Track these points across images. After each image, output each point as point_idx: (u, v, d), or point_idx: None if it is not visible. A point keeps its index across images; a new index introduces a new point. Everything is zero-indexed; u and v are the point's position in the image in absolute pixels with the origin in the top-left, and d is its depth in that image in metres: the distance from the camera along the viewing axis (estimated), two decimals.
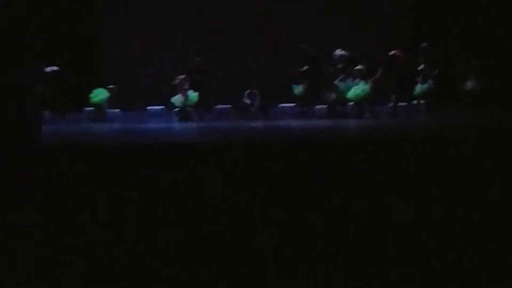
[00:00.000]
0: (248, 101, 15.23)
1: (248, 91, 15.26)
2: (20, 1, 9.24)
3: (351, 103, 15.00)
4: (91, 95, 15.24)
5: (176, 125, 14.52)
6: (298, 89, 15.37)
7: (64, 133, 12.48)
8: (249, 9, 17.18)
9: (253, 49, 16.78)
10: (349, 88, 14.82)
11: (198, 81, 15.14)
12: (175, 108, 15.05)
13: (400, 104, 14.72)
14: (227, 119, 15.14)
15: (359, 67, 14.68)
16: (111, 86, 15.38)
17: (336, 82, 14.97)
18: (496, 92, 14.97)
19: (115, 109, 15.51)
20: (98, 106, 15.23)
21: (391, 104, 14.68)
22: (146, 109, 15.86)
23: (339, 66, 15.12)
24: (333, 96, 14.94)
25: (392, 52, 14.55)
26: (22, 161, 8.01)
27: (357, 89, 14.67)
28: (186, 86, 14.98)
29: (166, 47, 17.03)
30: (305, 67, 15.18)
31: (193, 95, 15.05)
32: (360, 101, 14.66)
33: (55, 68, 14.72)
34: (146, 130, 13.65)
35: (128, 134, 12.96)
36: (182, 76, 14.97)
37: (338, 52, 15.28)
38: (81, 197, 7.89)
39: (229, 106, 15.75)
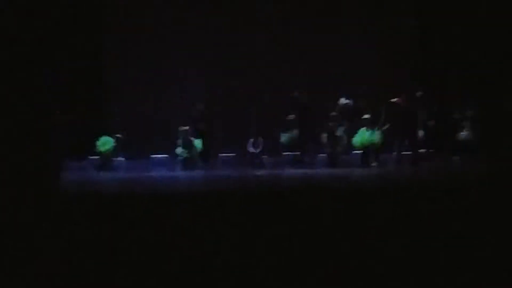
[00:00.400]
0: (252, 150, 15.32)
1: (252, 139, 15.36)
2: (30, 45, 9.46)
3: (356, 151, 15.12)
4: (98, 143, 15.36)
5: (180, 173, 14.60)
6: (285, 137, 15.46)
7: (72, 181, 12.56)
8: (253, 55, 17.49)
9: (258, 98, 16.99)
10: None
11: (202, 129, 15.27)
12: (179, 156, 15.16)
13: (405, 152, 14.76)
14: (231, 167, 15.23)
15: (366, 116, 14.85)
16: (118, 135, 15.49)
17: (338, 132, 15.09)
18: (490, 142, 15.11)
19: (119, 157, 15.60)
20: (104, 155, 15.34)
21: (395, 152, 14.76)
22: (150, 158, 15.95)
23: (333, 113, 15.26)
24: (339, 146, 15.06)
25: (394, 99, 14.68)
26: (40, 207, 8.13)
27: (364, 137, 14.79)
28: (190, 136, 15.11)
29: (171, 96, 17.29)
30: (292, 116, 15.29)
31: (197, 143, 15.17)
32: (368, 149, 14.77)
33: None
34: (151, 179, 13.73)
35: (133, 183, 13.05)
36: (186, 128, 15.12)
37: (343, 100, 15.47)
38: (86, 245, 7.99)
39: (234, 154, 15.84)
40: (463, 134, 15.29)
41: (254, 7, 17.56)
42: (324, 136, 15.33)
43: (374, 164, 14.63)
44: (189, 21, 17.46)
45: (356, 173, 13.71)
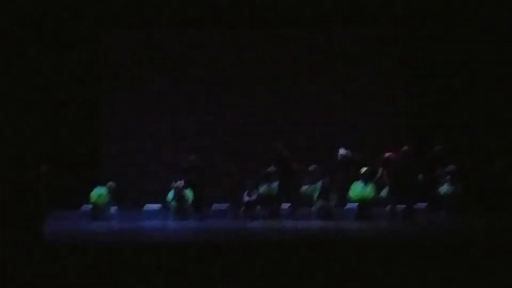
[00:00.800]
0: (247, 198, 15.35)
1: (247, 190, 15.41)
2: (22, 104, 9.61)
3: (351, 204, 15.19)
4: (92, 193, 15.42)
5: (173, 223, 14.62)
6: (263, 188, 15.49)
7: (64, 231, 12.59)
8: (248, 107, 17.79)
9: (252, 150, 17.16)
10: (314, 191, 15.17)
11: (193, 180, 15.34)
12: (172, 207, 15.23)
13: (399, 206, 14.75)
14: (225, 217, 15.25)
15: (364, 169, 14.95)
16: (110, 183, 15.57)
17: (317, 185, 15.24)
18: (472, 197, 15.37)
19: (112, 206, 15.63)
20: (98, 204, 15.39)
21: (389, 206, 14.79)
22: (143, 207, 15.99)
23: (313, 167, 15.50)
24: (331, 200, 15.14)
25: (387, 154, 14.76)
26: (25, 257, 8.16)
27: (360, 190, 14.85)
28: (184, 189, 15.20)
29: (163, 147, 17.48)
30: (272, 167, 15.41)
31: (189, 194, 15.24)
32: (364, 203, 14.83)
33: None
34: (144, 229, 13.76)
35: (127, 233, 13.08)
36: (179, 182, 15.20)
37: (342, 151, 15.59)
38: None
39: (228, 204, 15.90)
40: (444, 188, 15.39)
41: (244, 63, 17.85)
42: (305, 188, 15.40)
43: (367, 217, 14.66)
44: (182, 77, 17.74)
45: (349, 227, 13.74)
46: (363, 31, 17.90)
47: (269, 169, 15.34)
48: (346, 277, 8.69)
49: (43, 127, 16.49)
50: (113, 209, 15.55)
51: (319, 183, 15.23)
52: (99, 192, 15.49)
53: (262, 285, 8.64)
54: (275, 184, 15.26)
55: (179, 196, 15.18)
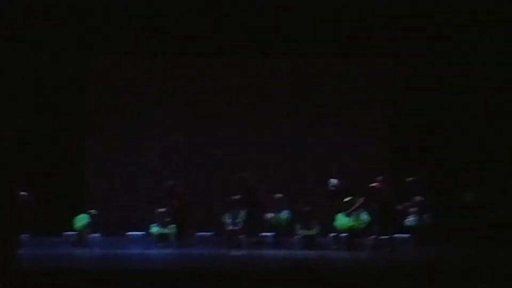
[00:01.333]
0: (230, 227, 15.43)
1: (228, 214, 15.49)
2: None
3: (334, 234, 15.28)
4: (75, 220, 15.48)
5: (156, 251, 14.66)
6: (227, 217, 15.61)
7: (43, 258, 12.58)
8: (233, 131, 18.05)
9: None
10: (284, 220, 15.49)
11: (175, 206, 15.43)
12: (155, 234, 15.29)
13: (383, 237, 14.83)
14: (209, 246, 15.30)
15: (348, 198, 15.08)
16: (92, 211, 15.65)
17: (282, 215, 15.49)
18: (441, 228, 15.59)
19: (95, 233, 15.65)
20: (80, 231, 15.44)
21: (373, 236, 14.87)
22: (126, 235, 16.01)
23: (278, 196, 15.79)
24: (315, 229, 15.28)
25: (374, 184, 14.88)
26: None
27: (344, 221, 14.93)
28: (167, 218, 15.30)
29: (146, 174, 17.57)
30: (238, 196, 15.57)
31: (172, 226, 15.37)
32: (353, 232, 14.91)
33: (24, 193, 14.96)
34: (126, 256, 13.78)
35: (109, 260, 13.10)
36: (163, 210, 15.31)
37: (333, 181, 15.72)
38: None
39: (211, 233, 15.94)
40: (410, 219, 15.54)
41: (224, 94, 18.11)
42: (271, 216, 15.60)
43: (335, 246, 14.80)
44: (166, 103, 17.97)
45: (331, 256, 13.81)
46: (349, 61, 18.23)
47: (235, 197, 15.58)
48: None
49: (25, 151, 16.53)
50: (95, 236, 15.56)
51: (285, 212, 15.58)
52: (81, 218, 15.55)
53: None
54: (241, 213, 15.48)
55: (162, 223, 15.29)
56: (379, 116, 18.08)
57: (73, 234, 15.55)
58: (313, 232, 15.37)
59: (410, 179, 15.83)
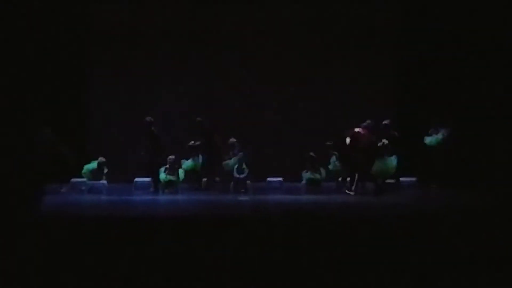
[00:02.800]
0: (237, 175, 15.69)
1: (237, 165, 15.73)
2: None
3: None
4: (84, 167, 15.79)
5: (163, 197, 14.91)
6: (186, 163, 15.88)
7: (56, 205, 12.81)
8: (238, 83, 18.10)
9: (244, 126, 17.52)
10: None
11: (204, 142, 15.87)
12: (162, 181, 15.56)
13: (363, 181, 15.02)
14: (215, 192, 15.58)
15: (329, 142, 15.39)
16: (100, 158, 15.88)
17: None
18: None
19: (102, 180, 15.90)
20: (88, 178, 15.73)
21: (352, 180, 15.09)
22: (134, 181, 16.25)
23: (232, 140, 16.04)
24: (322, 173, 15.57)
25: (357, 129, 14.96)
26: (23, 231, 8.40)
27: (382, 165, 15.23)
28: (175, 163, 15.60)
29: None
30: (194, 142, 15.78)
31: (181, 172, 15.64)
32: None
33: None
34: (133, 202, 14.03)
35: (115, 206, 13.34)
36: (173, 157, 15.51)
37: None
38: (68, 267, 8.28)
39: (218, 179, 16.22)
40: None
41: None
42: (227, 162, 15.92)
43: (351, 192, 14.99)
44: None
45: (337, 201, 14.02)
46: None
47: (193, 143, 15.82)
48: (331, 249, 8.97)
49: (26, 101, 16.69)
50: (102, 183, 15.81)
51: (240, 155, 15.88)
52: (90, 167, 15.83)
53: (252, 258, 8.90)
54: (200, 158, 15.71)
55: (172, 170, 15.55)
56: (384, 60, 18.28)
57: (81, 181, 15.82)
58: (319, 176, 15.65)
59: (385, 121, 15.75)
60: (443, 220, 10.25)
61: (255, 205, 13.63)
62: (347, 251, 8.93)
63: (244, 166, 15.78)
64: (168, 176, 15.60)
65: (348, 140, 14.72)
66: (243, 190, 15.47)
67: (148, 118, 15.60)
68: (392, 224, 9.83)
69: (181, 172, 15.80)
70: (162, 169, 15.59)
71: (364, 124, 14.84)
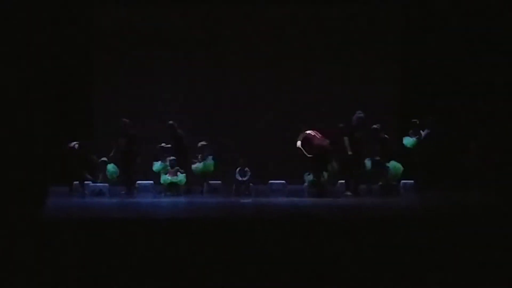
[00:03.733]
0: (239, 178, 15.79)
1: (239, 168, 15.83)
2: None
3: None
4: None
5: (165, 200, 14.99)
6: (156, 165, 15.95)
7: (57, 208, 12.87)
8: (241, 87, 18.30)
9: (246, 128, 17.67)
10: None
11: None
12: (164, 184, 15.64)
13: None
14: (218, 195, 15.64)
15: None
16: (103, 159, 15.96)
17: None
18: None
19: (105, 183, 15.93)
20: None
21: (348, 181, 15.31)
22: (136, 184, 16.29)
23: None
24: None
25: (309, 131, 15.14)
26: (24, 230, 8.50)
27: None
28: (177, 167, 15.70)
29: (157, 122, 17.85)
30: (164, 144, 15.95)
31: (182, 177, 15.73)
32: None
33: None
34: (135, 205, 14.10)
35: (119, 209, 13.42)
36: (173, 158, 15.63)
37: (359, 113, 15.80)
38: (69, 269, 8.39)
39: (219, 182, 16.27)
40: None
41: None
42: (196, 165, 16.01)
43: (348, 193, 15.08)
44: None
45: (338, 203, 14.08)
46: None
47: (162, 146, 15.91)
48: (333, 251, 9.05)
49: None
50: (104, 185, 15.80)
51: (209, 159, 16.00)
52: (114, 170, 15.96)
53: (254, 260, 8.99)
54: (171, 160, 15.82)
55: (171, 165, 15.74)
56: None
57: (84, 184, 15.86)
58: (322, 179, 15.73)
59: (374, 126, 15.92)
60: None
61: (257, 207, 13.70)
62: (349, 252, 9.01)
63: (246, 168, 15.90)
64: (170, 178, 15.67)
65: (299, 143, 14.94)
66: (246, 193, 15.56)
67: (171, 122, 15.95)
68: (392, 225, 9.90)
69: (183, 175, 15.84)
70: (164, 171, 15.68)
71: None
